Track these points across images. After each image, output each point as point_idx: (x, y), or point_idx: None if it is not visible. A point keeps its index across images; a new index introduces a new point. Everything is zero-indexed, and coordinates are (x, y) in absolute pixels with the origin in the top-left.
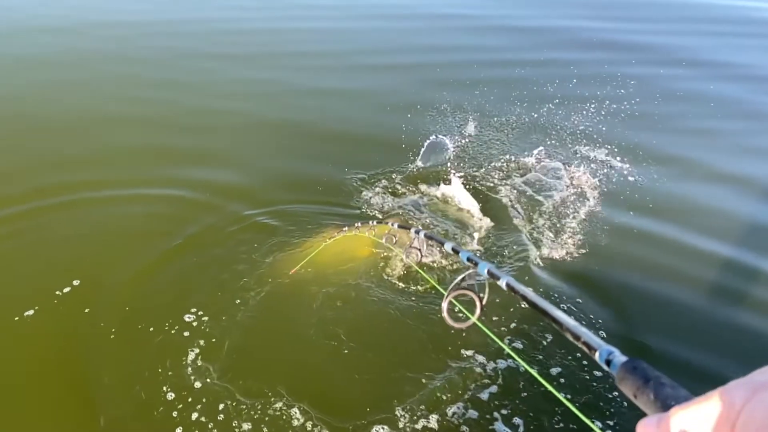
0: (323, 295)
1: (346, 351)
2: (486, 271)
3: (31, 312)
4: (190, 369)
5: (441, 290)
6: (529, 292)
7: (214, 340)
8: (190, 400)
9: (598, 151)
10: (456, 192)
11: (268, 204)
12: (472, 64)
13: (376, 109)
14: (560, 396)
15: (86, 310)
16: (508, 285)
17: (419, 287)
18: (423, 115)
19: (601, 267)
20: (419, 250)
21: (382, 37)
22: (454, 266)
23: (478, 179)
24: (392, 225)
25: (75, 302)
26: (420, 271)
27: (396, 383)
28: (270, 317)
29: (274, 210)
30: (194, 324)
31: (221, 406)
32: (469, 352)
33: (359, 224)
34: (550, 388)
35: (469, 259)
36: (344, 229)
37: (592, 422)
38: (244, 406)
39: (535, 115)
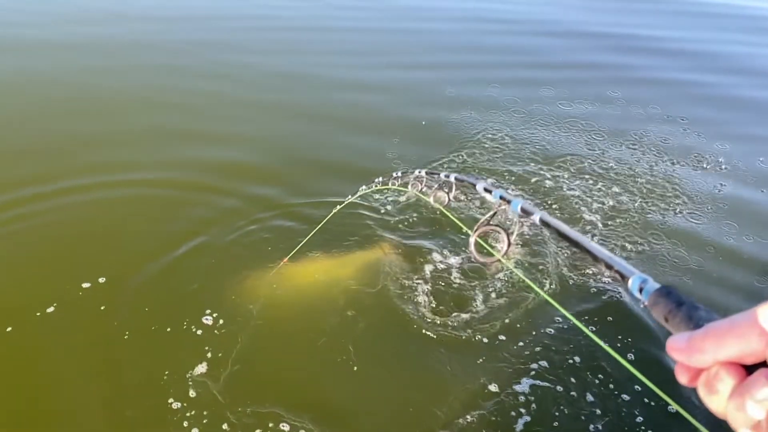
0: (339, 303)
1: (355, 368)
2: (519, 207)
3: (51, 309)
4: (197, 381)
5: (468, 231)
6: (562, 225)
7: (220, 354)
8: (193, 412)
9: (650, 154)
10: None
11: (304, 195)
12: (517, 66)
13: (416, 104)
14: (601, 343)
15: (102, 308)
16: (541, 220)
17: (440, 299)
18: (466, 111)
19: (654, 271)
20: (447, 192)
21: (421, 38)
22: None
23: (523, 175)
24: (419, 172)
25: (95, 299)
26: (447, 213)
27: (412, 407)
28: (282, 325)
29: (311, 201)
30: (208, 330)
31: (224, 426)
32: (495, 372)
33: (380, 179)
34: (588, 332)
35: (501, 197)
36: (362, 187)
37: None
38: (249, 426)
39: (582, 116)
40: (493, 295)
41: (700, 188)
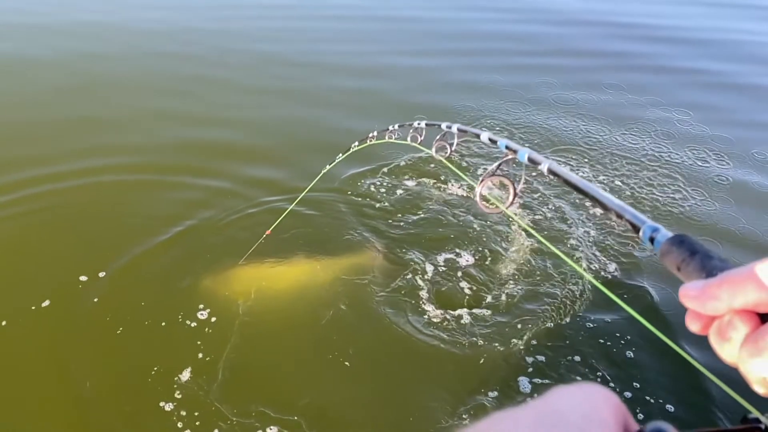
0: (335, 301)
1: (347, 363)
2: (526, 157)
3: (47, 303)
4: (187, 381)
5: (472, 183)
6: (571, 174)
7: (210, 357)
8: (183, 413)
9: (654, 142)
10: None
11: (303, 179)
12: (519, 53)
13: (416, 90)
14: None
15: (95, 300)
16: (549, 169)
17: (440, 298)
18: (467, 97)
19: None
20: (449, 144)
21: (421, 26)
22: None
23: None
24: (418, 124)
25: (92, 292)
26: (450, 166)
27: (409, 407)
28: (279, 324)
29: (309, 185)
30: (201, 325)
31: (216, 430)
32: (496, 372)
33: (375, 133)
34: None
35: (507, 147)
36: (354, 144)
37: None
38: (245, 426)
39: (584, 104)
40: (495, 293)
41: (704, 175)
